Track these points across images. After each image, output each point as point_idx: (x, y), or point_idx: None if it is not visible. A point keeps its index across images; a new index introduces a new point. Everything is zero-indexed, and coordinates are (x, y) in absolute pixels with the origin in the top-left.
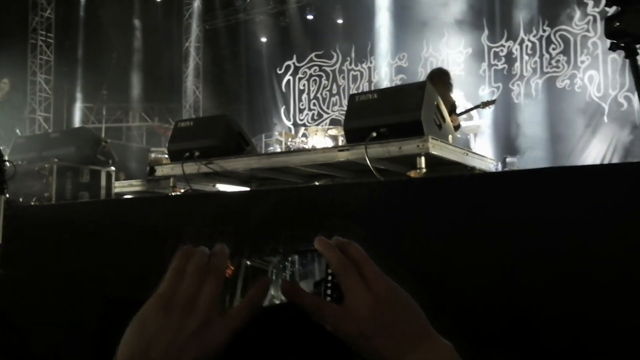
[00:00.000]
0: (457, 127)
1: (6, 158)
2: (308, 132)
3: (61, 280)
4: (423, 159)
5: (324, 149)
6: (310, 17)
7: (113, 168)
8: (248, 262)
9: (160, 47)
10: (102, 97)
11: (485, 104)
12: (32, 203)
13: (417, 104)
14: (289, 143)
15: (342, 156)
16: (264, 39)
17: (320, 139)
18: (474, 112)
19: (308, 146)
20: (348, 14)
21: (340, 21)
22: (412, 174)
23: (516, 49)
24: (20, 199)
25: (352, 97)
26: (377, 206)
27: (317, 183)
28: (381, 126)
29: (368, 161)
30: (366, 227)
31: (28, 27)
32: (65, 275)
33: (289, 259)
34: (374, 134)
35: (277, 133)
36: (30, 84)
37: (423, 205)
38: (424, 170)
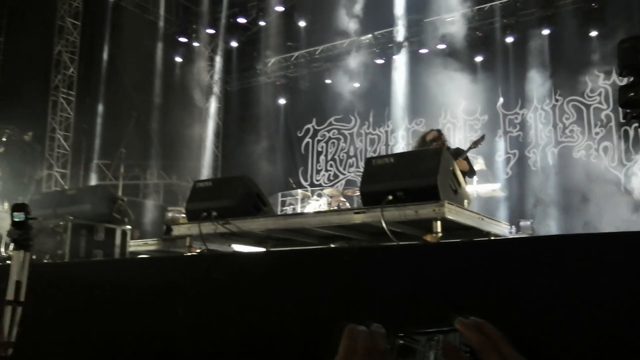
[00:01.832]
0: (471, 172)
1: (32, 215)
2: (323, 192)
3: (76, 340)
4: (439, 223)
5: (340, 211)
6: (329, 81)
7: (129, 226)
8: (401, 341)
9: (180, 106)
10: (120, 155)
11: (475, 143)
12: (45, 260)
13: (434, 169)
14: (304, 203)
15: (358, 218)
16: (283, 101)
17: (336, 198)
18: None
19: (323, 207)
20: (366, 78)
21: (357, 85)
22: (429, 237)
23: (530, 117)
24: (34, 256)
25: (369, 161)
26: (394, 269)
27: (332, 245)
28: (397, 190)
29: (384, 224)
30: (383, 289)
31: (50, 85)
32: (81, 336)
33: (435, 338)
34: (390, 197)
35: (293, 192)
36: (49, 140)
37: (439, 269)
38: (440, 234)
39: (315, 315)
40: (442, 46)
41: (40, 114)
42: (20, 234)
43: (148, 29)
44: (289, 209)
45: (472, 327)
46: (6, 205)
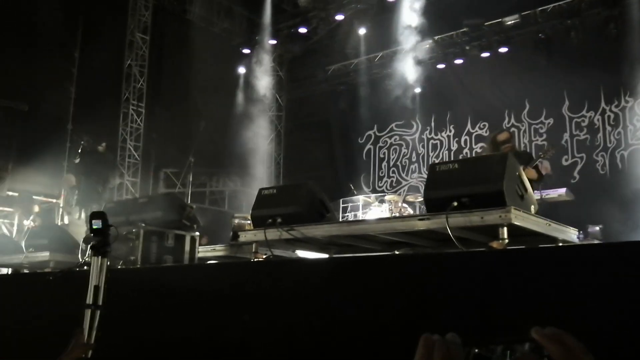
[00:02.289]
0: (539, 179)
1: (109, 223)
2: (385, 198)
3: (149, 344)
4: (505, 229)
5: (404, 217)
6: (389, 87)
7: (197, 233)
8: (476, 350)
9: (243, 116)
10: (189, 164)
11: (546, 152)
12: (119, 266)
13: (499, 174)
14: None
15: (423, 225)
16: (343, 108)
17: (397, 205)
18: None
19: (385, 213)
20: (427, 83)
21: (417, 90)
22: (495, 244)
23: (598, 120)
24: (108, 262)
25: (432, 167)
26: (460, 276)
27: (397, 252)
28: (462, 196)
29: (449, 230)
30: (450, 296)
31: (121, 97)
32: (153, 339)
33: (510, 348)
34: (455, 204)
35: (354, 199)
36: (120, 149)
37: (507, 276)
38: (506, 240)
39: (380, 322)
40: (504, 49)
41: (112, 125)
42: (99, 241)
43: (213, 41)
44: (350, 216)
45: (552, 338)
46: (82, 214)
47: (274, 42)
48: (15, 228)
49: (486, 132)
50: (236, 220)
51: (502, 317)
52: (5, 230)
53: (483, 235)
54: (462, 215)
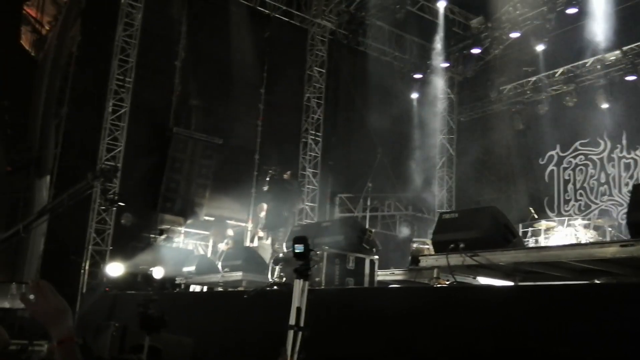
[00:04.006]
0: None
1: (312, 248)
2: (571, 223)
3: None
4: None
5: (603, 243)
6: (570, 104)
7: (377, 256)
8: None
9: (417, 140)
10: (367, 189)
11: None
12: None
13: None
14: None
15: (626, 252)
16: (521, 128)
17: (583, 229)
18: None
19: (570, 238)
20: (615, 97)
21: (605, 106)
22: None
23: None
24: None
25: (637, 188)
26: None
27: (597, 281)
28: None
29: None
30: None
31: (301, 128)
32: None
33: None
34: None
35: (535, 224)
36: (300, 177)
37: None
38: None
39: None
40: None
41: (293, 154)
42: (301, 264)
43: (385, 69)
44: (530, 241)
45: None
46: (269, 239)
47: (446, 65)
48: (209, 250)
49: None
50: (415, 245)
51: None
52: (201, 252)
53: None
54: None
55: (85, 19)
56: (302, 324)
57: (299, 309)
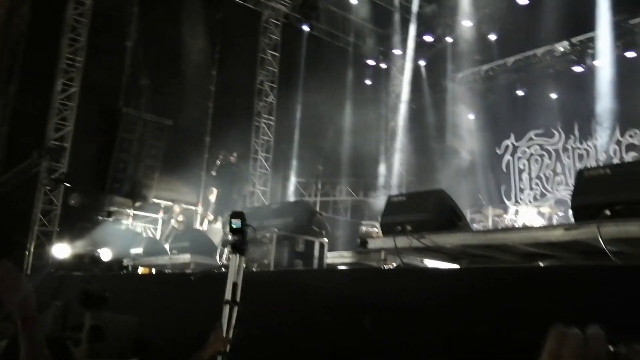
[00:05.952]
0: None
1: (249, 224)
2: (518, 208)
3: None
4: None
5: (548, 227)
6: (521, 93)
7: (326, 239)
8: (621, 350)
9: (368, 126)
10: (318, 173)
11: None
12: (254, 269)
13: None
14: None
15: (569, 235)
16: (471, 116)
17: (532, 216)
18: None
19: (518, 224)
20: (565, 88)
21: (554, 96)
22: None
23: None
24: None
25: (580, 173)
26: (614, 292)
27: (541, 264)
28: (616, 203)
29: (602, 242)
30: (605, 316)
31: (253, 111)
32: (283, 338)
33: None
34: (608, 212)
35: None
36: (252, 160)
37: None
38: None
39: (518, 342)
40: None
41: (245, 137)
42: (237, 239)
43: (339, 55)
44: (478, 227)
45: None
46: (219, 222)
47: (399, 52)
48: (158, 233)
49: (638, 140)
50: (364, 228)
51: None
52: (150, 235)
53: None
54: (615, 225)
55: None
56: (237, 299)
57: (235, 284)
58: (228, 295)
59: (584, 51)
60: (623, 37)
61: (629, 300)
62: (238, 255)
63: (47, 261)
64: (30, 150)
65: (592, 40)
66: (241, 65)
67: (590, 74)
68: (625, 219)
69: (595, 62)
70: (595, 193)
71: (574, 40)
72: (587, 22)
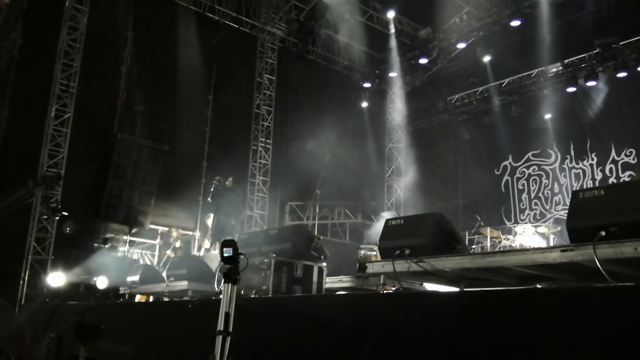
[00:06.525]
0: None
1: (241, 252)
2: (517, 229)
3: None
4: None
5: (544, 249)
6: (516, 114)
7: (324, 264)
8: None
9: (365, 149)
10: (315, 196)
11: None
12: (252, 295)
13: None
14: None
15: (566, 257)
16: (468, 137)
17: (529, 237)
18: None
19: (515, 245)
20: (560, 109)
21: (548, 116)
22: None
23: None
24: (242, 291)
25: (575, 194)
26: (611, 313)
27: (539, 285)
28: (611, 225)
29: (598, 263)
30: (601, 336)
31: (250, 135)
32: None
33: None
34: (603, 234)
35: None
36: (250, 184)
37: None
38: None
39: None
40: None
41: (242, 161)
42: (230, 268)
43: (335, 78)
44: (476, 248)
45: None
46: (217, 246)
47: (394, 74)
48: (155, 259)
49: (633, 159)
50: (362, 252)
51: None
52: (147, 261)
53: (636, 269)
54: (611, 246)
55: (27, 21)
56: (230, 329)
57: (227, 314)
58: (220, 326)
59: (576, 72)
60: (614, 58)
61: (623, 320)
62: (230, 285)
63: (42, 290)
64: (23, 177)
65: (584, 60)
66: (238, 89)
67: (583, 94)
68: (620, 241)
69: (587, 83)
70: (590, 215)
71: (567, 61)
72: (577, 44)
